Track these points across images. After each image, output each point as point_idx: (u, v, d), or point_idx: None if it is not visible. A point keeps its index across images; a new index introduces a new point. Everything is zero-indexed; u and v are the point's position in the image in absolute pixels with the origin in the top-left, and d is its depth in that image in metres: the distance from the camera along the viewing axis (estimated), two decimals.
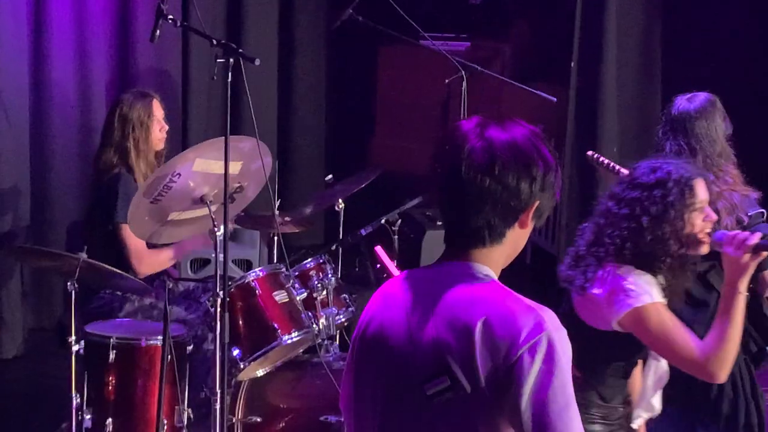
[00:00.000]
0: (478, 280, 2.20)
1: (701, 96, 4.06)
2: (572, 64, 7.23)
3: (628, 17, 7.12)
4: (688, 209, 3.33)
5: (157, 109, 5.12)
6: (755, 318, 3.95)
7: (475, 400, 2.10)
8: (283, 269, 4.75)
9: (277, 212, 5.07)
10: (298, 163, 7.89)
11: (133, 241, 4.84)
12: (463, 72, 5.09)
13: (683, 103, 4.06)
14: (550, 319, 2.13)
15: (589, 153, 4.19)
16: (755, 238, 3.25)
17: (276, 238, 5.24)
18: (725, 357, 3.24)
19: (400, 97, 8.60)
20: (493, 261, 2.24)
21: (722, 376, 3.28)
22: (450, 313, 2.15)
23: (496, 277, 2.24)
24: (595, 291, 3.34)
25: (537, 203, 2.22)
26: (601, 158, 4.18)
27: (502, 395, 2.09)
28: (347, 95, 8.43)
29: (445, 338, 2.13)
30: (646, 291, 3.28)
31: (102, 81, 6.32)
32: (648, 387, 3.56)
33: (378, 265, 4.10)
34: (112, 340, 4.27)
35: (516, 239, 2.26)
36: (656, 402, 3.58)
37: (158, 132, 5.10)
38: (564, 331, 2.13)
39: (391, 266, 3.97)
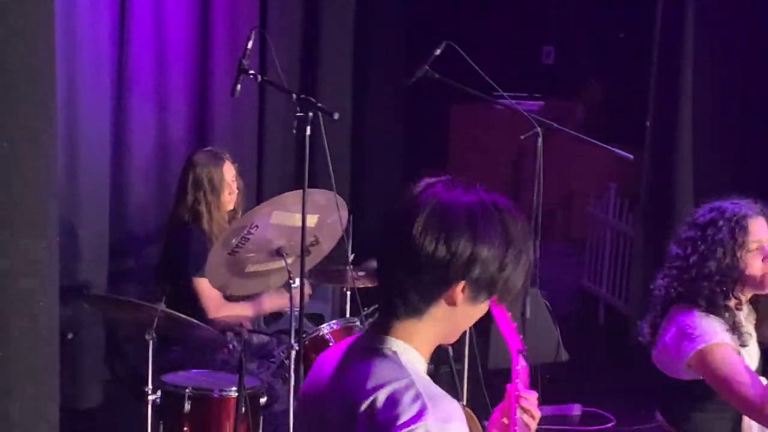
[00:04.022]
0: (381, 357, 2.00)
1: None
2: (647, 123, 7.19)
3: (705, 77, 7.06)
4: (740, 248, 3.30)
5: (228, 172, 5.10)
6: None
7: None
8: (357, 323, 4.75)
9: (351, 266, 5.07)
10: (371, 218, 7.90)
11: (208, 291, 4.86)
12: (539, 129, 5.03)
13: None
14: (437, 410, 1.90)
15: None
16: None
17: (349, 292, 5.23)
18: None
19: (472, 155, 8.63)
20: (413, 337, 2.01)
21: None
22: (344, 389, 2.01)
23: (409, 353, 2.01)
24: (666, 338, 3.31)
25: (462, 283, 1.96)
26: None
27: None
28: (420, 152, 8.48)
29: (334, 414, 2.02)
30: (707, 332, 3.22)
31: (180, 134, 6.40)
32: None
33: None
34: (187, 390, 4.27)
35: (449, 317, 2.01)
36: None
37: (227, 195, 5.09)
38: (454, 426, 1.91)
39: None
